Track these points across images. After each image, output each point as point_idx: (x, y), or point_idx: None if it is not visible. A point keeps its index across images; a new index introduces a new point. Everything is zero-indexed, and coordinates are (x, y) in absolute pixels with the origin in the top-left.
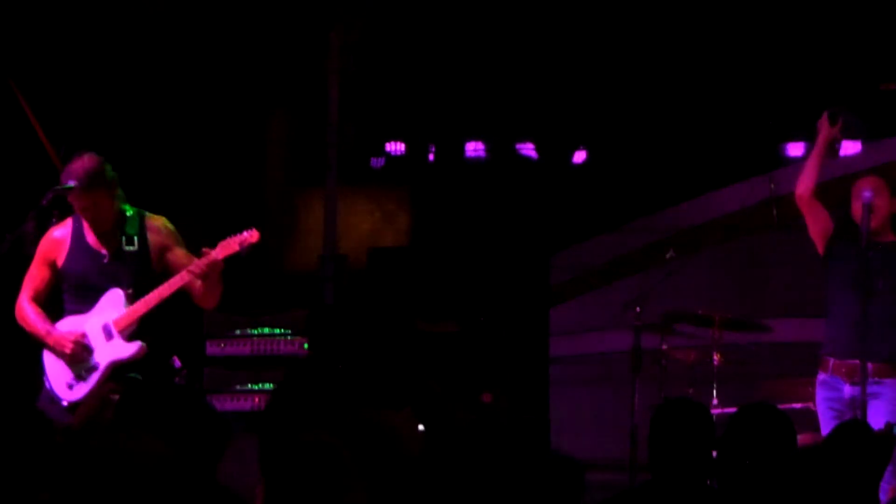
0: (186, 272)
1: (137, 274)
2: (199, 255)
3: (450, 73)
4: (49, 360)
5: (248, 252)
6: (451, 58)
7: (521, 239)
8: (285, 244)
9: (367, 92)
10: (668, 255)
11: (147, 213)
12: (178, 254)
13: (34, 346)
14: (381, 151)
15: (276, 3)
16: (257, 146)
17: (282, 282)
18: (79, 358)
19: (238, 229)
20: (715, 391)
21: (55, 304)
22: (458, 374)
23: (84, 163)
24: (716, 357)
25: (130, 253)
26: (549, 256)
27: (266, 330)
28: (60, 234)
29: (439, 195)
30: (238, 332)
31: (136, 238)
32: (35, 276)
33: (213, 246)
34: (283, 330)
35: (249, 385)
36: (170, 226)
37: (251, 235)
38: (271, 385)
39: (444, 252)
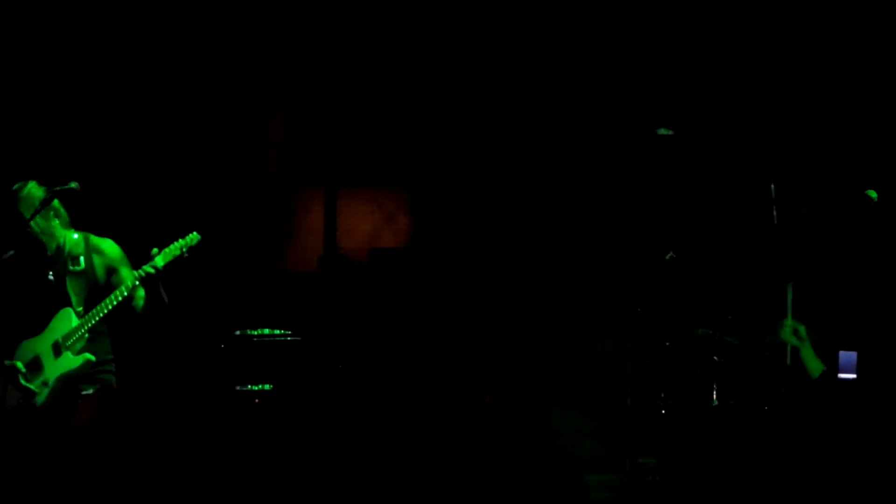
0: (131, 282)
1: (85, 291)
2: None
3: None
4: (6, 381)
5: (188, 253)
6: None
7: (522, 242)
8: (285, 244)
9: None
10: (667, 257)
11: (91, 236)
12: (124, 273)
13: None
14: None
15: (275, 5)
16: (257, 147)
17: (282, 282)
18: (25, 380)
19: (239, 230)
20: (715, 391)
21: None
22: (459, 375)
23: (21, 192)
24: (716, 357)
25: (76, 273)
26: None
27: (266, 330)
28: (14, 258)
29: (439, 196)
30: (238, 332)
31: (81, 258)
32: None
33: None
34: (282, 330)
35: (249, 385)
36: (116, 247)
37: (192, 239)
38: (271, 385)
39: (445, 253)
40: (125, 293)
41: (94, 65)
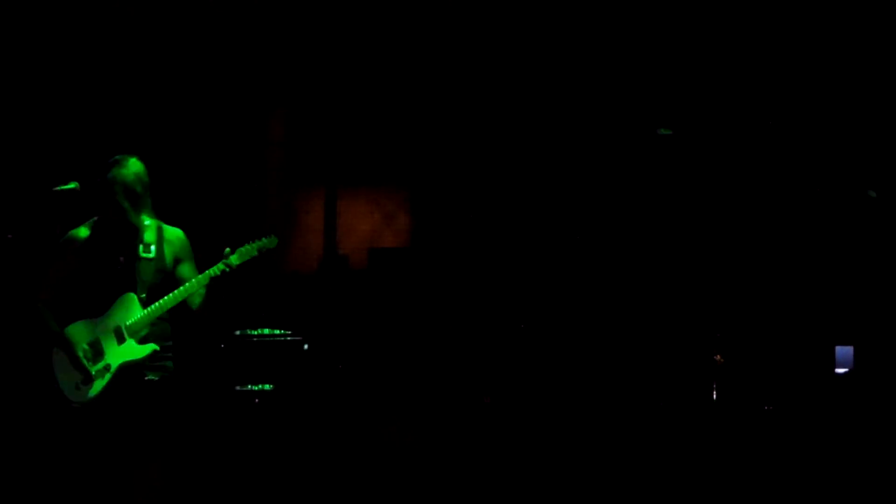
0: (206, 278)
1: (153, 280)
2: (214, 256)
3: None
4: (58, 361)
5: (261, 256)
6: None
7: (526, 239)
8: (285, 245)
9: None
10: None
11: (164, 224)
12: (187, 267)
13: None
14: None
15: (274, 5)
16: (257, 147)
17: (282, 282)
18: (87, 362)
19: (238, 230)
20: (715, 391)
21: (68, 303)
22: (458, 375)
23: (122, 166)
24: (716, 357)
25: (147, 259)
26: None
27: (266, 330)
28: (80, 235)
29: (439, 196)
30: (238, 332)
31: (153, 246)
32: (52, 276)
33: (233, 247)
34: (282, 330)
35: (249, 385)
36: (185, 239)
37: (270, 241)
38: (271, 385)
39: (445, 253)
40: (196, 287)
41: (94, 64)
